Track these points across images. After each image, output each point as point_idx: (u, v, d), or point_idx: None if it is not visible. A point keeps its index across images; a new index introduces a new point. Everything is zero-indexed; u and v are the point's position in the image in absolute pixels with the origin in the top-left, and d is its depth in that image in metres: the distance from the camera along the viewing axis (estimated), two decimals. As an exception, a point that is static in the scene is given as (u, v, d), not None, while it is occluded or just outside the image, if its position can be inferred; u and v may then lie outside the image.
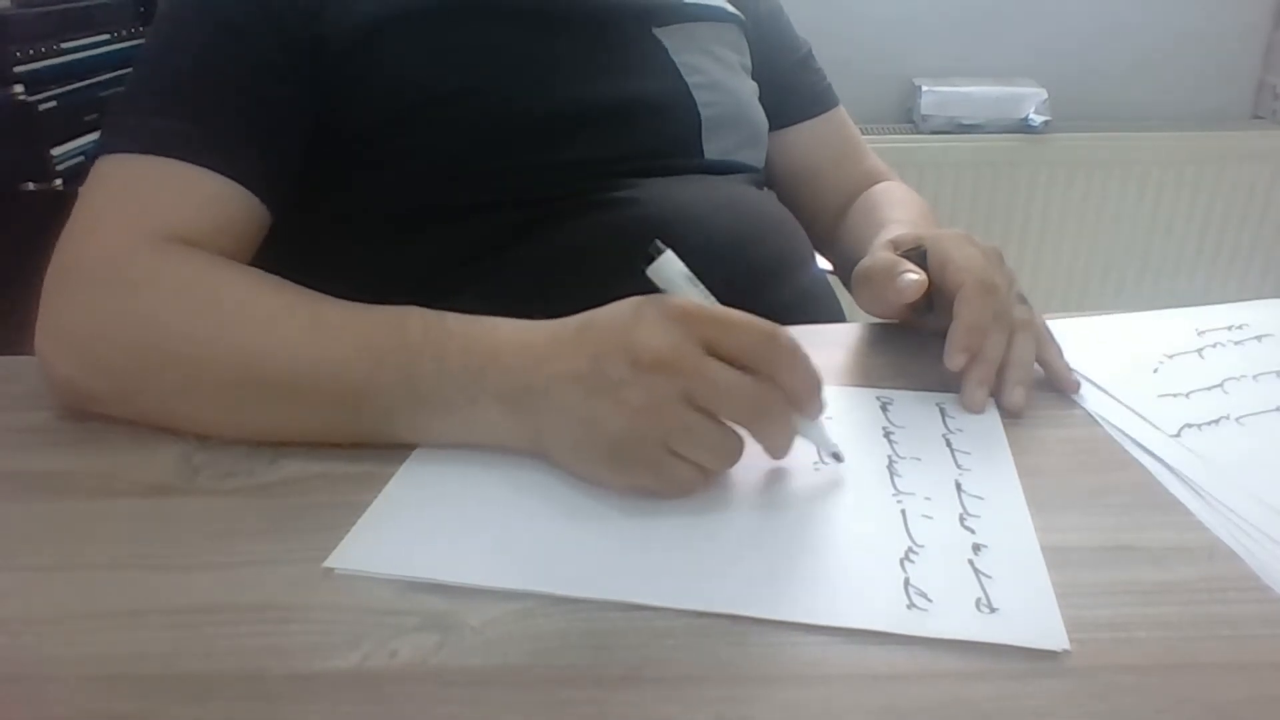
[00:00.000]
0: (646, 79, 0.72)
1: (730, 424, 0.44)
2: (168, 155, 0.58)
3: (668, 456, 0.43)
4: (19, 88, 1.24)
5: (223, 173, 0.58)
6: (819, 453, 0.48)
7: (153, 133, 0.58)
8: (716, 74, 0.76)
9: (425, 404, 0.48)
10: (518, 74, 0.68)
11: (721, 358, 0.43)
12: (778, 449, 0.46)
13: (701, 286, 0.46)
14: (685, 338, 0.43)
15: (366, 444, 0.49)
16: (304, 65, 0.63)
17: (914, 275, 0.57)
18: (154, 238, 0.54)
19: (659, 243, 0.45)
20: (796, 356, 0.44)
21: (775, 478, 0.48)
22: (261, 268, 0.59)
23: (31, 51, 1.27)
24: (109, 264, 0.54)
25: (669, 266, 0.46)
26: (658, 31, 0.74)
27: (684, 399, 0.43)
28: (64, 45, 1.35)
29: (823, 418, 0.47)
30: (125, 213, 0.56)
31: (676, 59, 0.74)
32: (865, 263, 0.62)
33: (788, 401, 0.45)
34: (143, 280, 0.52)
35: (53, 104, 1.28)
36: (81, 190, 0.58)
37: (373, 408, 0.49)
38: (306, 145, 0.65)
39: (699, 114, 0.73)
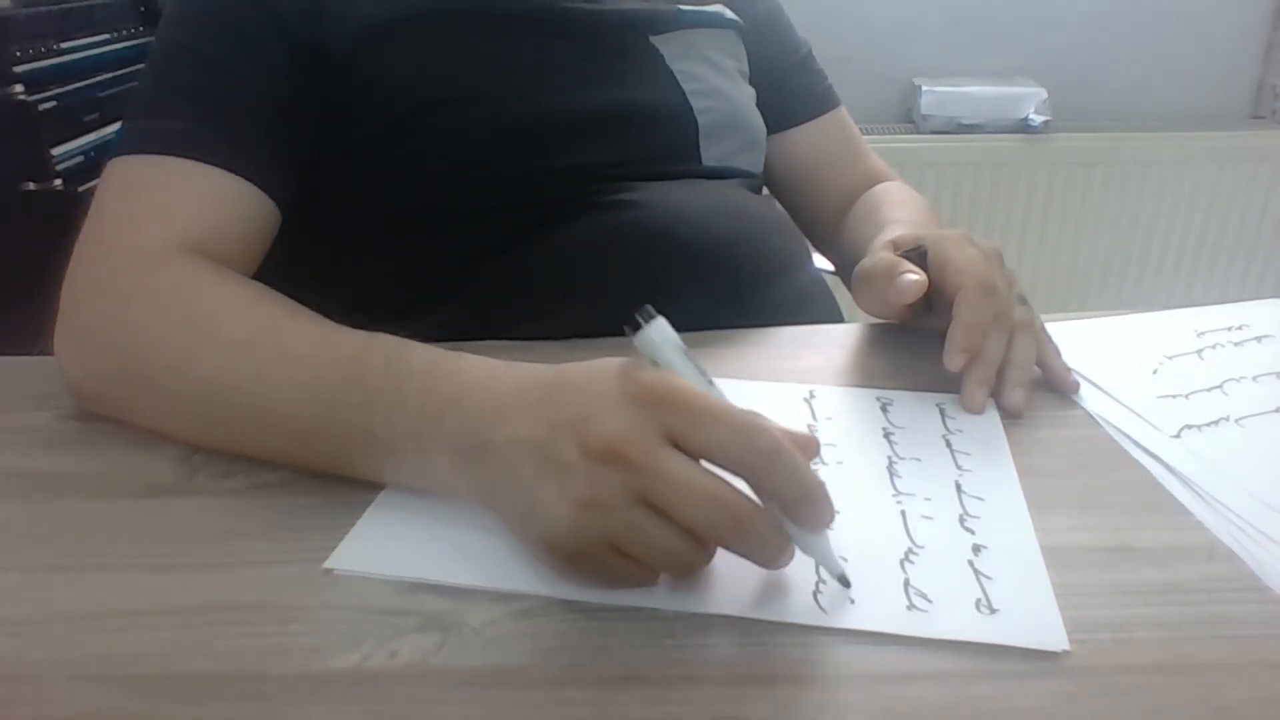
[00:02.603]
0: (643, 87, 0.73)
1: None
2: (176, 155, 0.58)
3: (612, 554, 0.38)
4: (19, 87, 1.23)
5: (232, 170, 0.59)
6: (817, 569, 0.40)
7: (161, 133, 0.59)
8: (713, 81, 0.77)
9: (377, 449, 0.45)
10: (515, 81, 0.68)
11: (690, 452, 0.37)
12: (765, 564, 0.38)
13: (694, 361, 0.39)
14: (646, 425, 0.37)
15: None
16: (309, 68, 0.64)
17: (914, 276, 0.57)
18: (156, 244, 0.55)
19: (649, 308, 0.38)
20: (776, 460, 0.36)
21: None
22: (264, 272, 0.59)
23: (31, 51, 1.27)
24: (111, 272, 0.54)
25: (658, 335, 0.38)
26: (654, 40, 0.74)
27: (633, 496, 0.37)
28: (64, 45, 1.35)
29: (828, 533, 0.39)
30: (131, 217, 0.57)
31: (673, 67, 0.74)
32: (865, 263, 0.62)
33: (768, 511, 0.37)
34: (135, 291, 0.53)
35: (53, 104, 1.28)
36: (95, 194, 0.58)
37: (326, 450, 0.47)
38: (313, 147, 0.65)
39: (696, 121, 0.74)
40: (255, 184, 0.60)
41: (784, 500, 0.37)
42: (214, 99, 0.61)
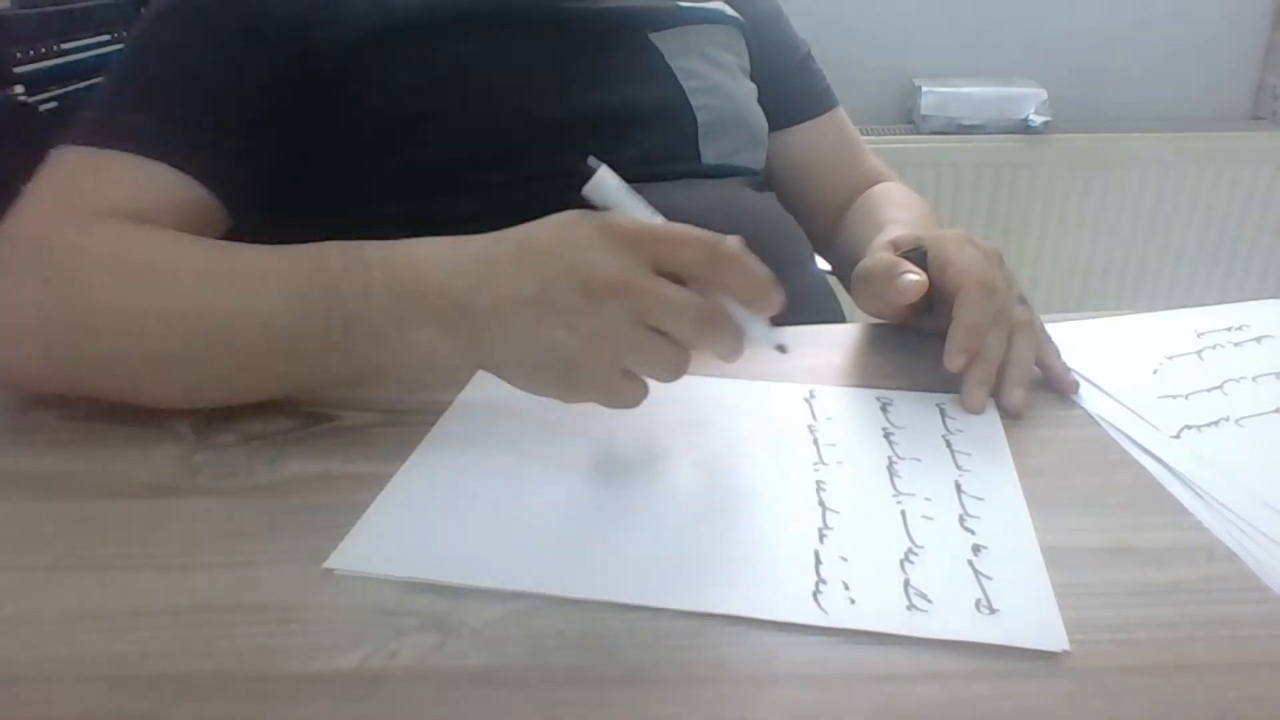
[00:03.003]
0: (642, 85, 0.72)
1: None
2: (118, 148, 0.57)
3: (618, 375, 0.45)
4: (19, 88, 1.23)
5: (173, 165, 0.58)
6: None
7: (109, 127, 0.58)
8: (713, 78, 0.76)
9: (358, 339, 0.48)
10: (512, 83, 0.68)
11: (668, 274, 0.44)
12: (729, 355, 0.46)
13: (639, 197, 0.47)
14: (633, 260, 0.44)
15: (305, 390, 0.52)
16: (293, 77, 0.63)
17: (914, 276, 0.57)
18: (82, 216, 0.54)
19: (593, 159, 0.46)
20: (742, 261, 0.45)
21: (775, 478, 0.48)
22: None
23: (32, 52, 1.27)
24: (33, 247, 0.53)
25: (606, 183, 0.46)
26: (653, 37, 0.74)
27: (635, 320, 0.44)
28: (64, 46, 1.34)
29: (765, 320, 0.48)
30: (60, 197, 0.56)
31: (673, 64, 0.74)
32: (865, 263, 0.62)
33: (731, 310, 0.46)
34: (66, 257, 0.52)
35: (53, 105, 1.28)
36: (33, 178, 0.57)
37: (306, 350, 0.49)
38: (283, 153, 0.64)
39: (695, 119, 0.73)
40: (196, 180, 0.59)
41: (748, 293, 0.46)
42: (169, 97, 0.60)
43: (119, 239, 0.53)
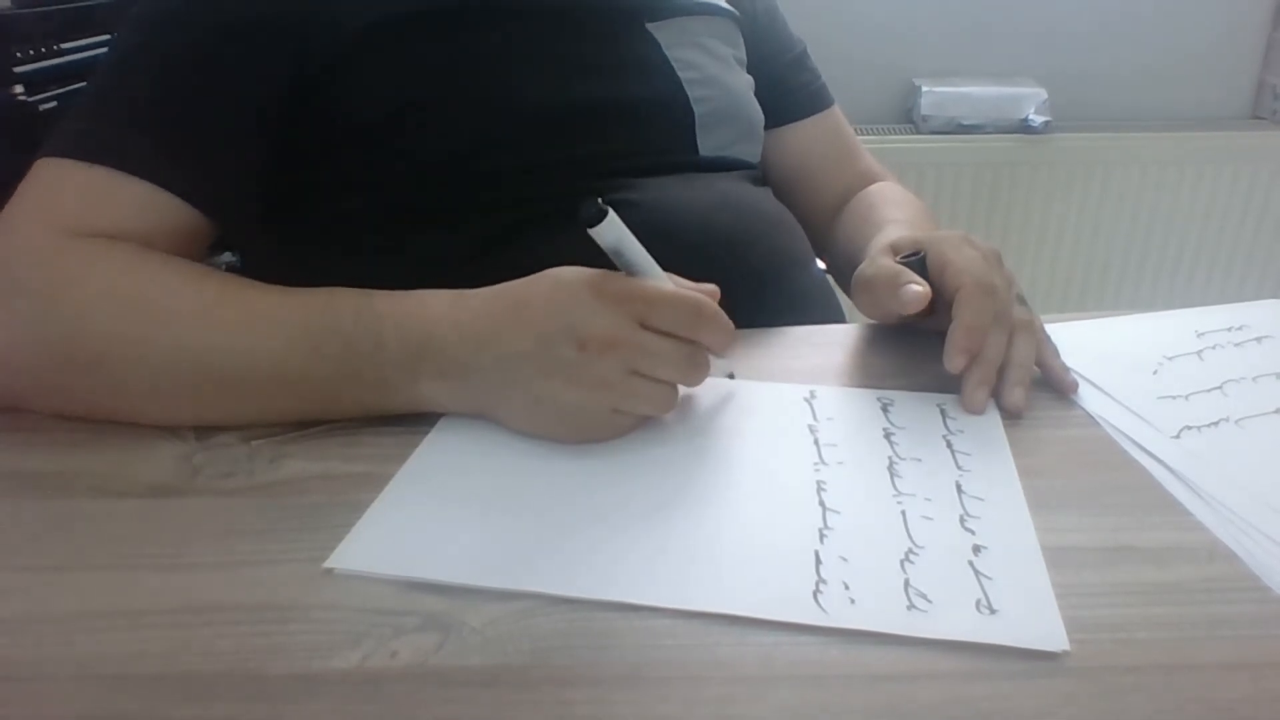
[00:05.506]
0: (639, 76, 0.72)
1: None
2: (106, 164, 0.56)
3: (613, 416, 0.50)
4: (19, 88, 1.23)
5: (157, 183, 0.57)
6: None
7: (94, 140, 0.57)
8: (710, 69, 0.76)
9: (367, 387, 0.51)
10: (509, 73, 0.67)
11: (655, 330, 0.49)
12: (697, 385, 0.53)
13: (639, 246, 0.50)
14: (623, 318, 0.48)
15: (317, 420, 0.52)
16: (283, 77, 0.62)
17: (917, 287, 0.56)
18: (76, 237, 0.54)
19: (600, 202, 0.47)
20: (718, 320, 0.50)
21: (776, 478, 0.48)
22: (248, 273, 0.58)
23: (32, 52, 1.27)
24: (29, 265, 0.53)
25: (611, 231, 0.48)
26: (650, 27, 0.74)
27: (627, 370, 0.48)
28: (64, 46, 1.34)
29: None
30: (50, 214, 0.55)
31: (669, 54, 0.73)
32: (865, 270, 0.62)
33: (707, 355, 0.52)
34: (66, 281, 0.52)
35: (53, 104, 1.27)
36: (19, 188, 0.57)
37: (314, 393, 0.51)
38: (273, 157, 0.63)
39: (692, 110, 0.73)
40: (180, 198, 0.58)
41: (719, 346, 0.51)
42: (154, 109, 0.59)
43: (122, 266, 0.53)
